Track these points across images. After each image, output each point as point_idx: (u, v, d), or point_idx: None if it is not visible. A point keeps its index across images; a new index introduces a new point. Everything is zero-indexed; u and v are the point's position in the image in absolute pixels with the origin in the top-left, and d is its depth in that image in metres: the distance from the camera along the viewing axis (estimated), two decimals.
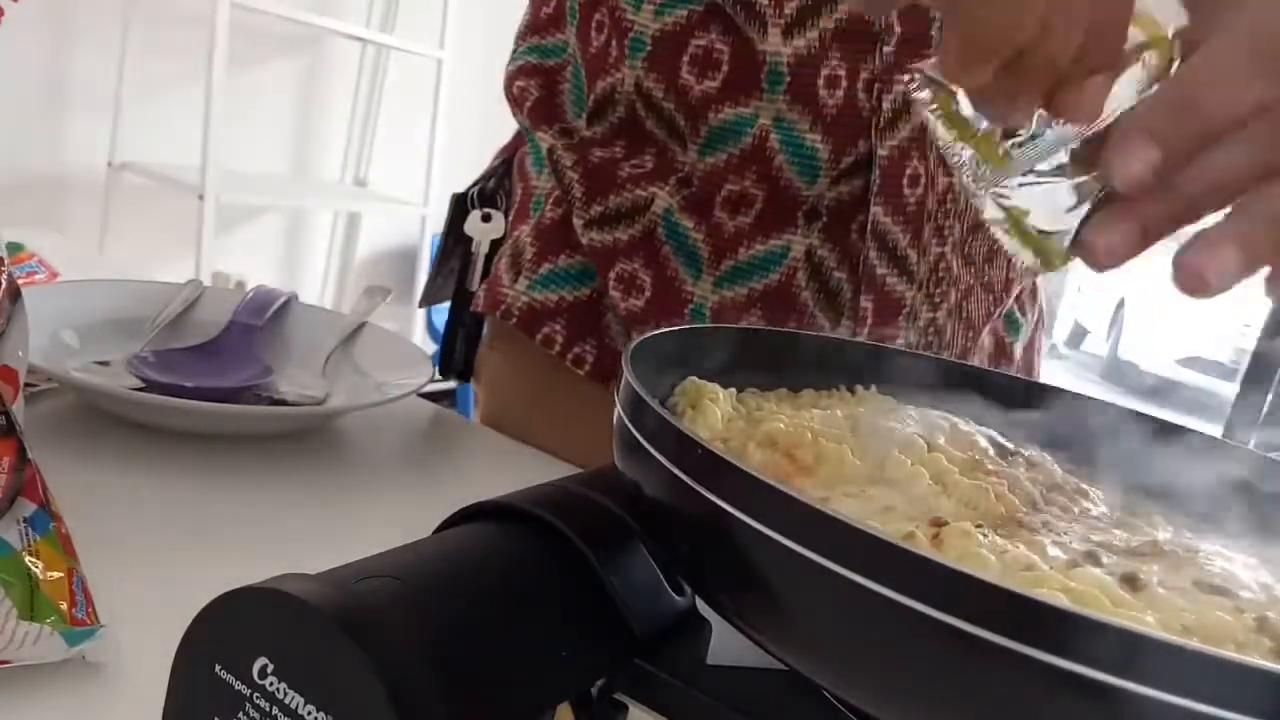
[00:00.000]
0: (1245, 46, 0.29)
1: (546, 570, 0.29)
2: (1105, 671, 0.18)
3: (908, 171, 0.59)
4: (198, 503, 0.48)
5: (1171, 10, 0.32)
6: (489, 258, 0.70)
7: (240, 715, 0.24)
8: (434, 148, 2.55)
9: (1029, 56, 0.31)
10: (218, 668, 0.24)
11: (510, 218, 0.70)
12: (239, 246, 2.39)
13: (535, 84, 0.66)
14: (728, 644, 0.30)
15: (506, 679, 0.25)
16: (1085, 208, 0.31)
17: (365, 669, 0.22)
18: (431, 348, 1.77)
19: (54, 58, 2.00)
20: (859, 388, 0.42)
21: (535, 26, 0.67)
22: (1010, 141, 0.32)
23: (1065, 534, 0.29)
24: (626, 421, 0.28)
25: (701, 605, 0.31)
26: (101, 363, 0.58)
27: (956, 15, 0.32)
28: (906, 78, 0.55)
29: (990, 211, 0.33)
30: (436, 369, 0.68)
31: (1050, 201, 0.32)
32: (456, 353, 0.73)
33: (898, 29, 0.56)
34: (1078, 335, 6.51)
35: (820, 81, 0.56)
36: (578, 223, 0.63)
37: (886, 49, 0.56)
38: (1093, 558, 0.27)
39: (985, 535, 0.27)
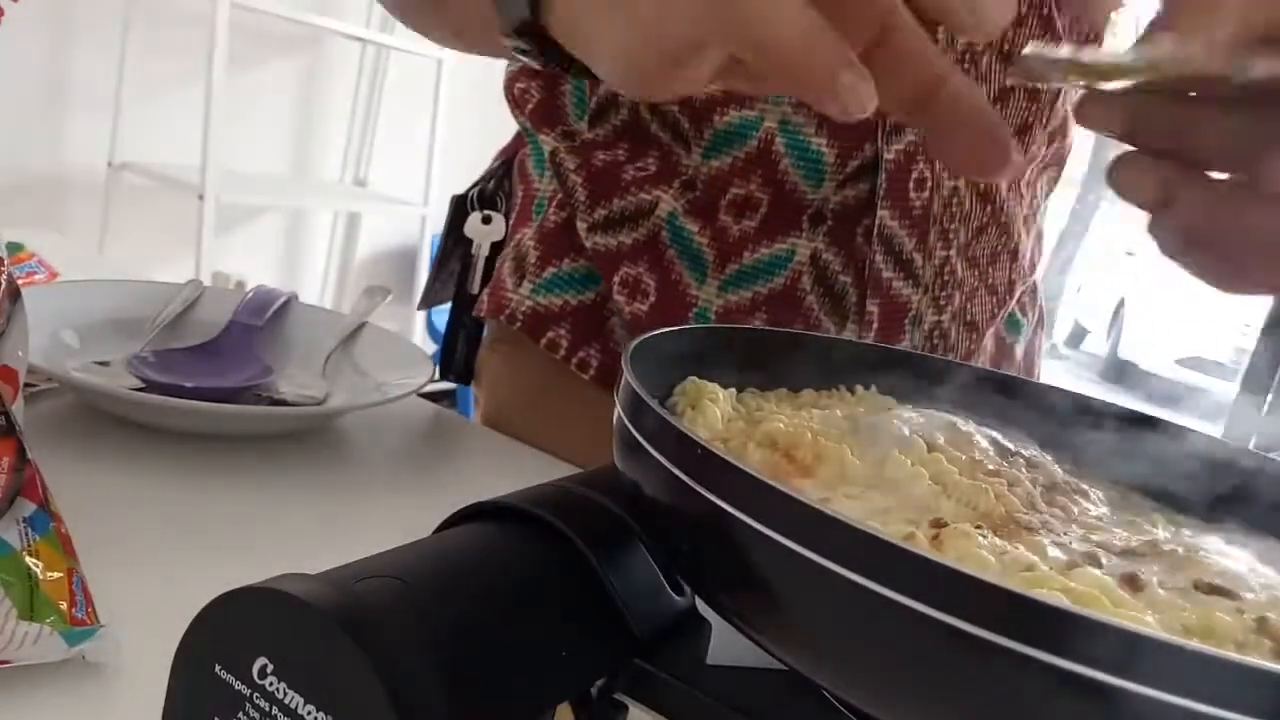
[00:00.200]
0: None
1: (546, 570, 0.29)
2: (1105, 671, 0.18)
3: (914, 175, 0.58)
4: (198, 503, 0.48)
5: None
6: (489, 260, 0.70)
7: (240, 715, 0.24)
8: (434, 148, 2.55)
9: None
10: (217, 668, 0.24)
11: (511, 220, 0.70)
12: (239, 246, 2.39)
13: (536, 85, 0.66)
14: (728, 644, 0.30)
15: (506, 679, 0.25)
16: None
17: (365, 669, 0.22)
18: (432, 348, 1.77)
19: (54, 58, 2.00)
20: (859, 388, 0.42)
21: None
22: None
23: (1065, 534, 0.29)
24: (626, 421, 0.28)
25: (701, 605, 0.31)
26: (101, 363, 0.58)
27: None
28: None
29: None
30: (436, 369, 0.68)
31: None
32: (457, 355, 0.72)
33: None
34: (1078, 335, 6.51)
35: None
36: (581, 226, 0.63)
37: None
38: (1092, 558, 0.27)
39: (985, 536, 0.27)
